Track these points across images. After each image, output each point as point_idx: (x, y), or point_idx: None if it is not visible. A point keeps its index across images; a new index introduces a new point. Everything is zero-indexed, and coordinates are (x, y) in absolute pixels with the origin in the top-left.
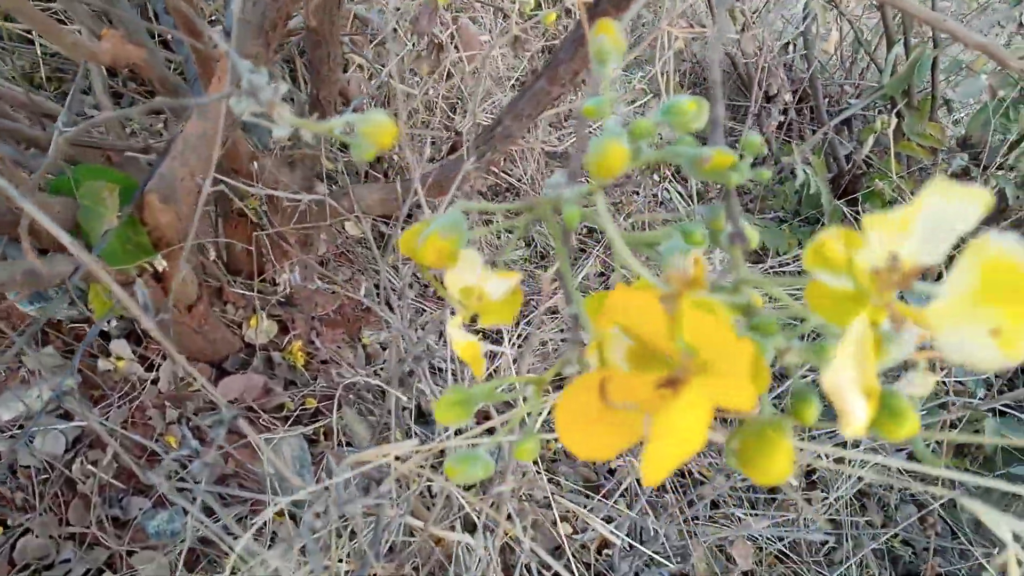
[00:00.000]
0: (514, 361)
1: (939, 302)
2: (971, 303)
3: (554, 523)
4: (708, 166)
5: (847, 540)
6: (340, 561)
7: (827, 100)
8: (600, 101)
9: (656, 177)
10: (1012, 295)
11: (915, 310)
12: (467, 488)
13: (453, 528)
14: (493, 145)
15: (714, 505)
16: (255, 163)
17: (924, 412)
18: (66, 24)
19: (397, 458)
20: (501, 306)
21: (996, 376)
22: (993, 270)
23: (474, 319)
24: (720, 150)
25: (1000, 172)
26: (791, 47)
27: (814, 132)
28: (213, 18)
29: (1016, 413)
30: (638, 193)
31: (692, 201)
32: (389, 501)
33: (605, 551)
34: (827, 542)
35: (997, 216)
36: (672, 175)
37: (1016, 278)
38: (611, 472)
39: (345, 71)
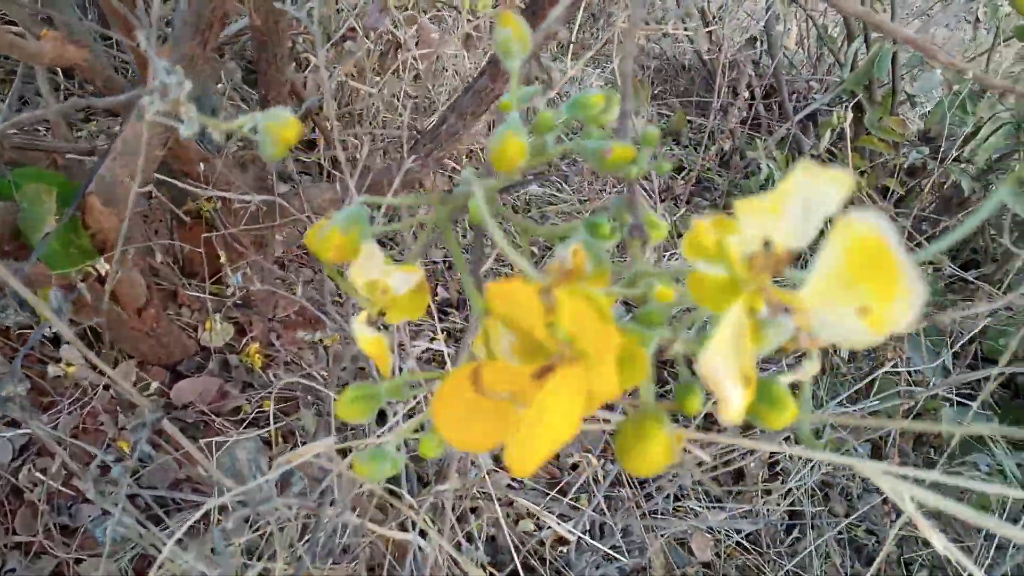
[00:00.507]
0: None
1: (810, 283)
2: (840, 283)
3: (516, 521)
4: (610, 159)
5: (810, 530)
6: (287, 566)
7: (794, 96)
8: (523, 94)
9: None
10: (877, 272)
11: (789, 293)
12: (424, 484)
13: (404, 527)
14: (440, 143)
15: (676, 498)
16: (205, 164)
17: (876, 402)
18: (14, 26)
19: (344, 456)
20: (408, 301)
21: (955, 365)
22: (859, 248)
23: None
24: (621, 144)
25: (960, 165)
26: (757, 43)
27: (780, 127)
28: (169, 19)
29: (972, 403)
30: (604, 191)
31: (657, 197)
32: (332, 502)
33: (561, 548)
34: (791, 532)
35: (956, 208)
36: None
37: (880, 255)
38: (574, 467)
39: (304, 71)
